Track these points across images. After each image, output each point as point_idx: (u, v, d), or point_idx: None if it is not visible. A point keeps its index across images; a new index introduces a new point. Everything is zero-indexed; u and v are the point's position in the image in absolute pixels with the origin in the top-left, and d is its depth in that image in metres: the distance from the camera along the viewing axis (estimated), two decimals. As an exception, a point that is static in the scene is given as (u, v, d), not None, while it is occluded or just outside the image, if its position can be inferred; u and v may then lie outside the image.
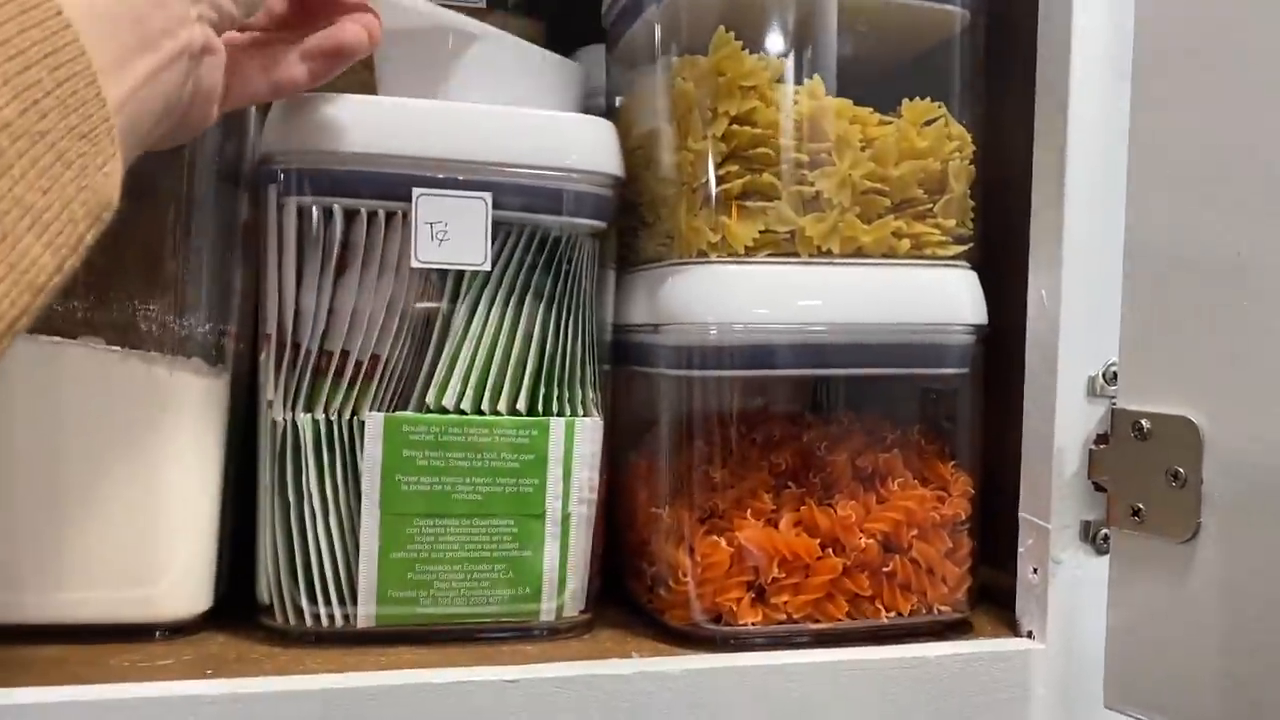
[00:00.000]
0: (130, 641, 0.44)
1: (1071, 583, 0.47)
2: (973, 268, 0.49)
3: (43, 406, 0.42)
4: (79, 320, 0.43)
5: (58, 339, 0.42)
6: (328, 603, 0.45)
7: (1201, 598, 0.41)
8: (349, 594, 0.45)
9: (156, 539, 0.44)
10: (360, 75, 0.54)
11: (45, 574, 0.43)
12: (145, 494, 0.44)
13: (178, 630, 0.45)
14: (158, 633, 0.45)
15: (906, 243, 0.47)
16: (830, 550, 0.46)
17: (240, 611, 0.47)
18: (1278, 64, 0.38)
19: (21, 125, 0.24)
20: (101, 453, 0.43)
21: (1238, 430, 0.39)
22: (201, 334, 0.45)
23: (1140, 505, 0.43)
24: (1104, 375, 0.46)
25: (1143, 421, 0.42)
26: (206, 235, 0.45)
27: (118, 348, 0.43)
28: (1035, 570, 0.48)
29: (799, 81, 0.46)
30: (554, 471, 0.46)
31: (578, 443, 0.47)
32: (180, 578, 0.45)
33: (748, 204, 0.45)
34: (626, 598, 0.52)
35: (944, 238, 0.48)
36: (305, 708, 0.39)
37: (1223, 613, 0.40)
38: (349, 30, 0.41)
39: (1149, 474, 0.42)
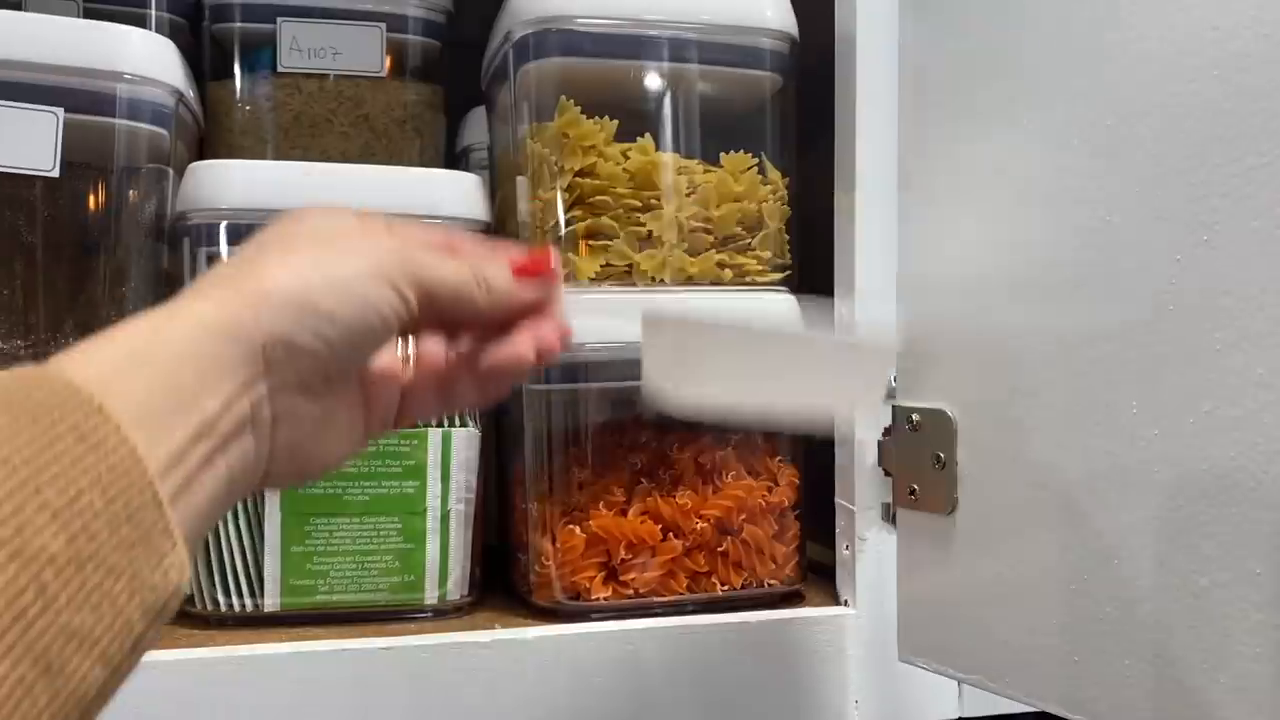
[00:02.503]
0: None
1: (876, 557, 0.55)
2: (791, 290, 0.57)
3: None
4: (22, 357, 0.51)
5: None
6: (240, 593, 0.53)
7: (963, 560, 0.49)
8: (257, 584, 0.53)
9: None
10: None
11: None
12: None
13: (112, 619, 0.53)
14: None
15: (730, 272, 0.56)
16: (671, 534, 0.55)
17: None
18: (1017, 100, 0.47)
19: (68, 555, 0.23)
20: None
21: (982, 421, 0.48)
22: (128, 365, 0.53)
23: (915, 486, 0.51)
24: (894, 380, 0.54)
25: (914, 415, 0.51)
26: (134, 282, 0.53)
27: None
28: (847, 547, 0.56)
29: (632, 139, 0.55)
30: (433, 475, 0.54)
31: (455, 450, 0.55)
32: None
33: (591, 243, 0.54)
34: (508, 587, 0.59)
35: (762, 267, 0.56)
36: (218, 671, 0.47)
37: (984, 572, 0.48)
38: (526, 347, 0.35)
39: (920, 459, 0.50)
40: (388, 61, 0.68)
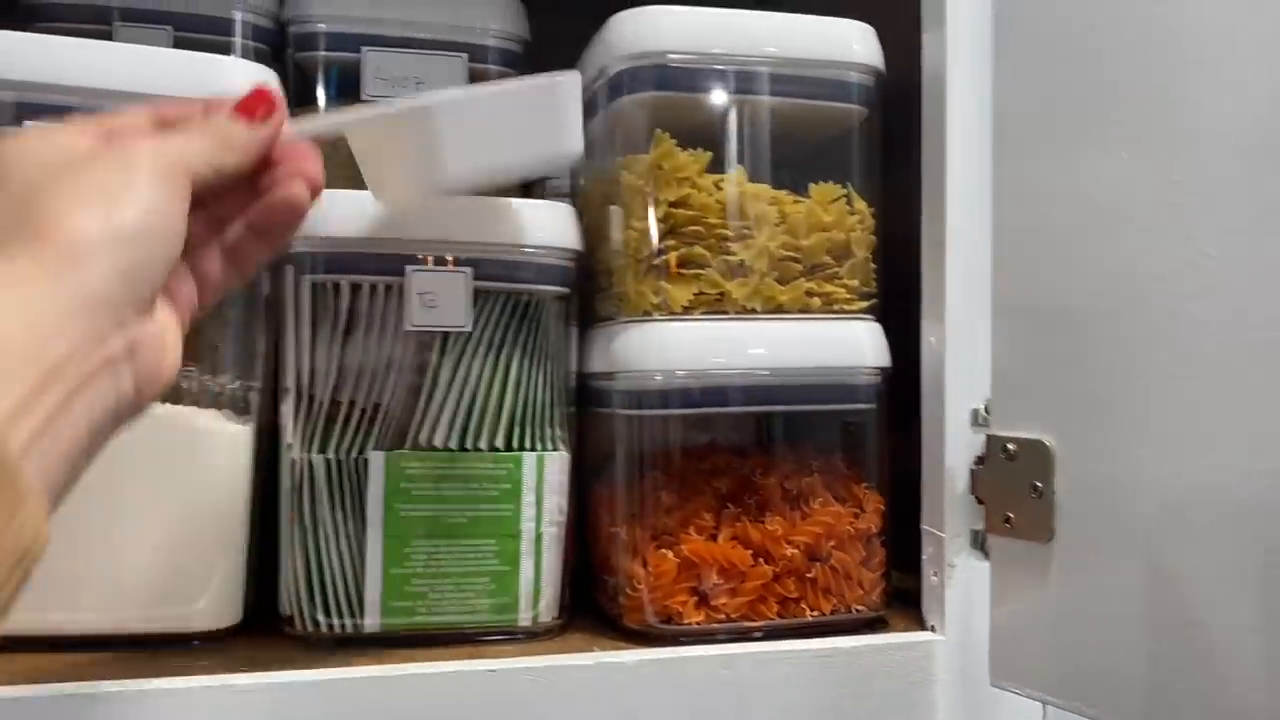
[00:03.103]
0: (172, 650, 0.52)
1: (965, 583, 0.56)
2: (877, 319, 0.58)
3: (104, 453, 0.51)
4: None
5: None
6: (339, 614, 0.54)
7: (1061, 588, 0.50)
8: (357, 606, 0.54)
9: (197, 561, 0.53)
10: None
11: (103, 592, 0.51)
12: (188, 524, 0.52)
13: (212, 640, 0.54)
14: (194, 642, 0.53)
15: (818, 300, 0.57)
16: (762, 559, 0.55)
17: (265, 624, 0.55)
18: (1113, 136, 0.47)
19: None
20: (152, 490, 0.52)
21: (1080, 449, 0.48)
22: (232, 390, 0.54)
23: (1010, 514, 0.52)
24: (985, 408, 0.55)
25: (1009, 445, 0.51)
26: (236, 309, 0.54)
27: (166, 403, 0.52)
28: (935, 574, 0.56)
29: (724, 170, 0.56)
30: (527, 498, 0.55)
31: (547, 474, 0.56)
32: (215, 595, 0.53)
33: (684, 271, 0.55)
34: (593, 607, 0.60)
35: (850, 295, 0.57)
36: (322, 694, 0.48)
37: (1078, 599, 0.49)
38: (293, 186, 0.38)
39: (1016, 488, 0.51)
40: (468, 90, 0.69)
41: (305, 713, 0.48)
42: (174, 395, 0.53)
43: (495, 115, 0.49)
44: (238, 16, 0.68)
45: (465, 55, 0.69)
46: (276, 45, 0.69)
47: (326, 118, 0.50)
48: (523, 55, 0.71)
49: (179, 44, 0.66)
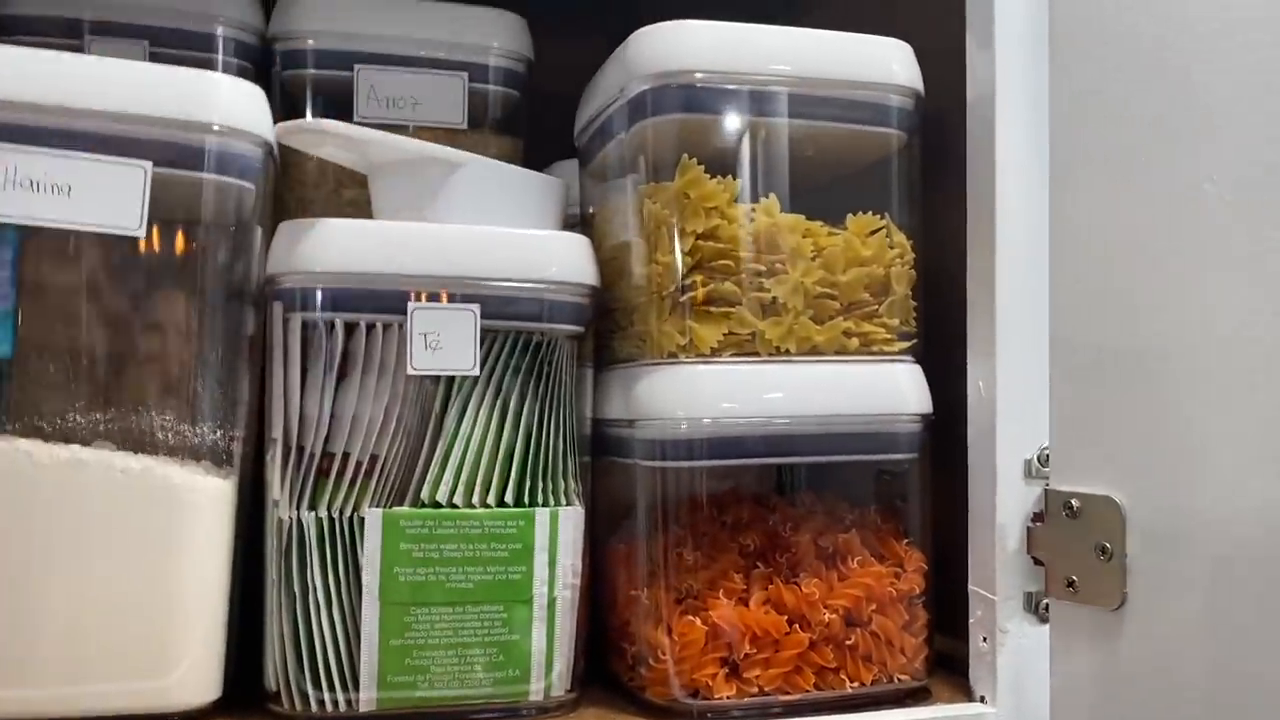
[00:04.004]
0: (144, 730, 0.47)
1: (1018, 650, 0.51)
2: (917, 360, 0.54)
3: (66, 509, 0.46)
4: (100, 431, 0.47)
5: (79, 448, 0.46)
6: (331, 688, 0.48)
7: (1132, 660, 0.45)
8: (351, 680, 0.48)
9: (171, 631, 0.47)
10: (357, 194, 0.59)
11: (65, 668, 0.46)
12: (161, 589, 0.47)
13: (189, 719, 0.48)
14: (169, 722, 0.48)
15: (856, 341, 0.52)
16: (797, 626, 0.50)
17: (247, 699, 0.50)
18: (1173, 170, 0.43)
19: None
20: (121, 551, 0.46)
21: (1155, 507, 0.44)
22: (212, 439, 0.49)
23: (1074, 577, 0.47)
24: (1038, 458, 0.50)
25: (1073, 501, 0.47)
26: (216, 350, 0.49)
27: (136, 454, 0.47)
28: (985, 639, 0.52)
29: (755, 199, 0.51)
30: (540, 559, 0.50)
31: (561, 531, 0.51)
32: (192, 668, 0.48)
33: (712, 309, 0.50)
34: (609, 677, 0.55)
35: (889, 335, 0.53)
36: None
37: (1152, 673, 0.44)
38: None
39: (1080, 548, 0.47)
40: (468, 112, 0.65)
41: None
42: (148, 446, 0.47)
43: (498, 186, 0.53)
44: (219, 31, 0.63)
45: (465, 74, 0.64)
46: (260, 62, 0.65)
47: (365, 132, 0.52)
48: (525, 75, 0.67)
49: (155, 59, 0.62)
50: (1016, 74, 0.51)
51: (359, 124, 0.62)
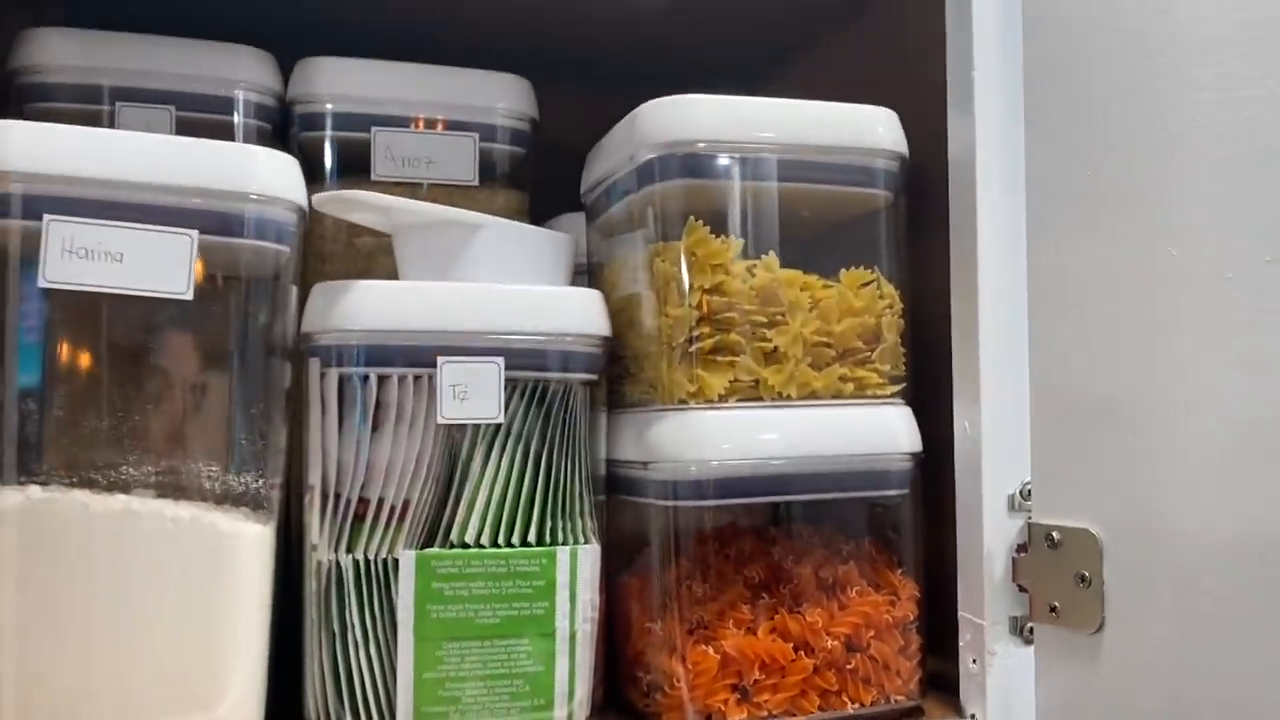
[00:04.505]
0: (192, 763, 0.49)
1: (1005, 670, 0.55)
2: (907, 402, 0.58)
3: (120, 557, 0.49)
4: (151, 483, 0.50)
5: (131, 498, 0.49)
6: (369, 720, 0.51)
7: (1111, 678, 0.49)
8: (388, 711, 0.51)
9: (219, 667, 0.50)
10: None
11: (120, 705, 0.48)
12: (209, 628, 0.50)
13: (234, 751, 0.51)
14: (214, 755, 0.51)
15: (851, 385, 0.56)
16: (802, 652, 0.54)
17: (286, 733, 0.53)
18: (1142, 229, 0.48)
19: None
20: (172, 594, 0.49)
21: (1129, 539, 0.48)
22: (254, 487, 0.52)
23: (1056, 603, 0.51)
24: (1021, 493, 0.55)
25: (1053, 533, 0.51)
26: (257, 403, 0.52)
27: (184, 502, 0.50)
28: (974, 661, 0.56)
29: (755, 256, 0.55)
30: (562, 594, 0.54)
31: (581, 567, 0.54)
32: (238, 702, 0.51)
33: (718, 359, 0.54)
34: (624, 704, 0.58)
35: (881, 380, 0.57)
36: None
37: (1130, 690, 0.49)
38: None
39: (1061, 577, 0.51)
40: (478, 169, 0.69)
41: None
42: (195, 495, 0.50)
43: (515, 245, 0.57)
44: (240, 95, 0.67)
45: (476, 135, 0.68)
46: (278, 123, 0.68)
47: (394, 200, 0.56)
48: (530, 133, 0.71)
49: (180, 123, 0.65)
50: (995, 137, 0.56)
51: (376, 182, 0.66)
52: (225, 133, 0.66)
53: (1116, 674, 0.49)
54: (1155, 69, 0.47)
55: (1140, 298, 0.48)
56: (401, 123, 0.67)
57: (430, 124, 0.67)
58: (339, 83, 0.66)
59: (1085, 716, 0.50)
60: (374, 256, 0.67)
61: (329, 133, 0.67)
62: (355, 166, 0.67)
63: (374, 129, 0.66)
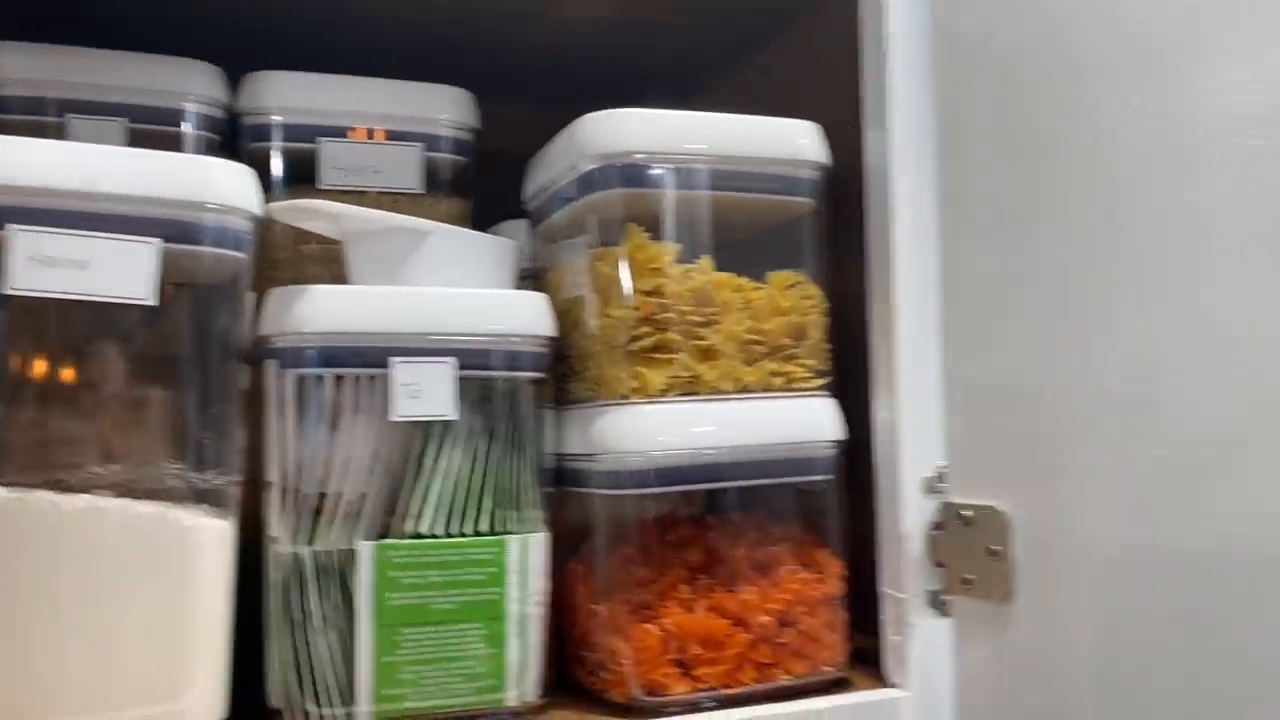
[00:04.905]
0: (158, 751, 0.52)
1: (925, 641, 0.59)
2: (831, 394, 0.62)
3: (88, 553, 0.51)
4: (118, 481, 0.52)
5: (98, 497, 0.51)
6: (330, 704, 0.54)
7: (1022, 644, 0.54)
8: (348, 695, 0.54)
9: (185, 659, 0.52)
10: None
11: (89, 696, 0.50)
12: (175, 621, 0.52)
13: (199, 737, 0.53)
14: (181, 741, 0.53)
15: (780, 380, 0.60)
16: (738, 628, 0.58)
17: (253, 717, 0.55)
18: (1049, 234, 0.53)
19: None
20: (139, 589, 0.51)
21: (1035, 516, 0.53)
22: (216, 485, 0.54)
23: (970, 576, 0.56)
24: (935, 476, 0.59)
25: (966, 512, 0.56)
26: (218, 404, 0.54)
27: (150, 502, 0.52)
28: (896, 633, 0.60)
29: (691, 259, 0.59)
30: (512, 580, 0.57)
31: (531, 555, 0.57)
32: (203, 691, 0.53)
33: (657, 356, 0.58)
34: (572, 683, 0.62)
35: (808, 374, 0.61)
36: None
37: (1040, 655, 0.53)
38: None
39: (974, 552, 0.56)
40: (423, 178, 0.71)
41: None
42: (159, 493, 0.52)
43: (461, 250, 0.60)
44: (189, 107, 0.68)
45: (421, 144, 0.71)
46: (227, 135, 0.70)
47: (346, 208, 0.59)
48: (472, 143, 0.74)
49: (132, 134, 0.67)
50: (909, 149, 0.60)
51: (323, 191, 0.69)
52: (175, 144, 0.68)
53: (1027, 639, 0.54)
54: (1055, 88, 0.52)
55: (1043, 297, 0.53)
56: (346, 132, 0.70)
57: (376, 134, 0.70)
58: (287, 95, 0.69)
59: (1000, 680, 0.55)
60: (321, 262, 0.69)
61: (277, 143, 0.69)
62: (303, 175, 0.69)
63: (320, 139, 0.69)
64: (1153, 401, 0.47)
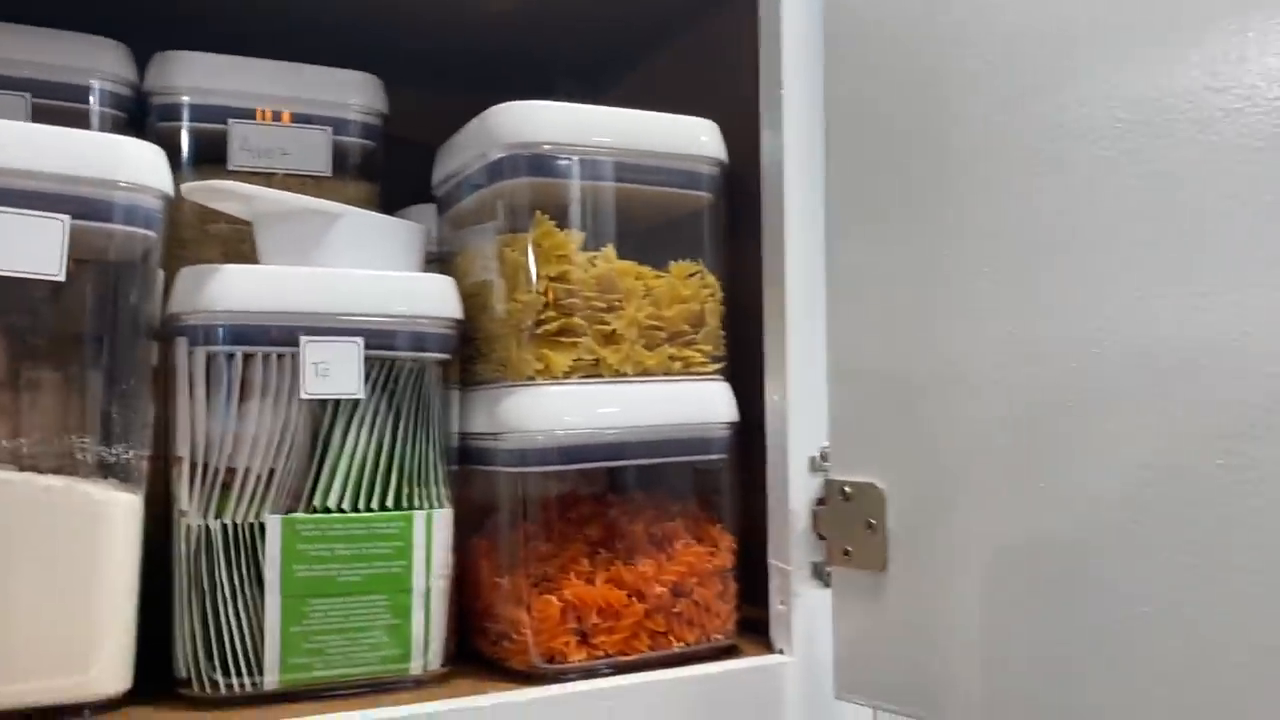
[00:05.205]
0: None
1: (808, 610, 0.63)
2: (726, 379, 0.66)
3: (-7, 527, 0.51)
4: (24, 454, 0.52)
5: (4, 473, 0.51)
6: (238, 673, 0.55)
7: (896, 610, 0.58)
8: (255, 664, 0.56)
9: (92, 630, 0.53)
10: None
11: (-6, 668, 0.51)
12: (83, 593, 0.53)
13: (105, 707, 0.54)
14: (86, 711, 0.54)
15: (679, 364, 0.64)
16: (634, 599, 0.61)
17: (154, 688, 0.56)
18: (923, 232, 0.57)
19: None
20: (47, 560, 0.52)
21: (908, 491, 0.57)
22: (124, 459, 0.55)
23: (849, 548, 0.60)
24: (820, 455, 0.63)
25: (846, 488, 0.60)
26: (132, 380, 0.55)
27: (58, 476, 0.53)
28: (782, 602, 0.64)
29: (595, 248, 0.62)
30: (418, 554, 0.59)
31: (435, 530, 0.60)
32: (109, 661, 0.54)
33: (562, 340, 0.61)
34: (473, 654, 0.64)
35: (704, 359, 0.64)
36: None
37: (911, 619, 0.58)
38: None
39: (853, 524, 0.60)
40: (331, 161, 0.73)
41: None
42: (67, 467, 0.53)
43: (371, 233, 0.62)
44: (95, 84, 0.69)
45: (330, 128, 0.72)
46: (134, 113, 0.70)
47: (259, 190, 0.60)
48: (380, 127, 0.75)
49: (36, 110, 0.66)
50: (801, 148, 0.64)
51: (232, 171, 0.69)
52: (81, 121, 0.68)
53: (900, 605, 0.58)
54: (936, 96, 0.56)
55: (916, 289, 0.57)
56: (255, 115, 0.70)
57: (284, 117, 0.71)
58: (197, 76, 0.69)
59: (874, 644, 0.59)
60: (228, 242, 0.70)
61: (185, 123, 0.70)
62: (211, 156, 0.70)
63: (230, 121, 0.70)
64: (1010, 386, 0.51)
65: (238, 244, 0.69)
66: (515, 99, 0.62)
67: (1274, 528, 0.42)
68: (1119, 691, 0.47)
